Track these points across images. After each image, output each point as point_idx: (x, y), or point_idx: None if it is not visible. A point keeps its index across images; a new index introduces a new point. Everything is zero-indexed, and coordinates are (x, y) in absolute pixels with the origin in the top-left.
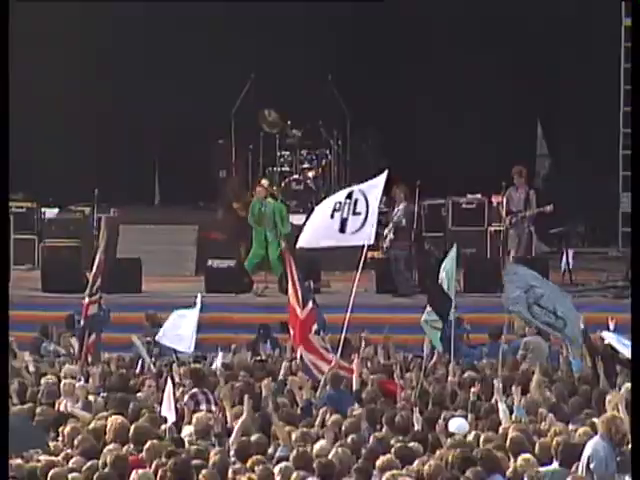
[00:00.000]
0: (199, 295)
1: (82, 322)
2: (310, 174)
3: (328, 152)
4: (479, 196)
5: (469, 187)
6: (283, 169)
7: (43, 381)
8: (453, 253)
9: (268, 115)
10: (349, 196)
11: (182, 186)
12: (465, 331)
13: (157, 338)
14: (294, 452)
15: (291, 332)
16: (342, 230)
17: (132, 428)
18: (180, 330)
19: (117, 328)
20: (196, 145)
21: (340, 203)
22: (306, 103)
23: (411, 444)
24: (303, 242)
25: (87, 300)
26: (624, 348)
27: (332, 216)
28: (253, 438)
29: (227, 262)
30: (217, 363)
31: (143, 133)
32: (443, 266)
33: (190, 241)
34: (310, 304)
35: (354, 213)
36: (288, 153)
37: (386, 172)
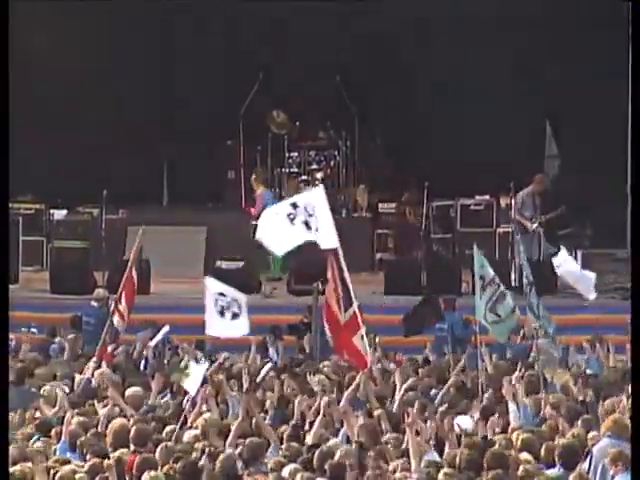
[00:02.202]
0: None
1: None
2: (318, 175)
3: (336, 153)
4: (487, 197)
5: (477, 188)
6: (291, 170)
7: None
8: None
9: (276, 116)
10: (294, 205)
11: (190, 187)
12: (473, 332)
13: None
14: (317, 451)
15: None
16: (308, 228)
17: (133, 430)
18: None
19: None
20: (204, 146)
21: (292, 213)
22: (314, 104)
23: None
24: (276, 249)
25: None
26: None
27: (293, 223)
28: (256, 440)
29: (235, 263)
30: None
31: (151, 134)
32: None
33: (198, 242)
34: (353, 307)
35: (309, 215)
36: (296, 154)
37: (321, 187)
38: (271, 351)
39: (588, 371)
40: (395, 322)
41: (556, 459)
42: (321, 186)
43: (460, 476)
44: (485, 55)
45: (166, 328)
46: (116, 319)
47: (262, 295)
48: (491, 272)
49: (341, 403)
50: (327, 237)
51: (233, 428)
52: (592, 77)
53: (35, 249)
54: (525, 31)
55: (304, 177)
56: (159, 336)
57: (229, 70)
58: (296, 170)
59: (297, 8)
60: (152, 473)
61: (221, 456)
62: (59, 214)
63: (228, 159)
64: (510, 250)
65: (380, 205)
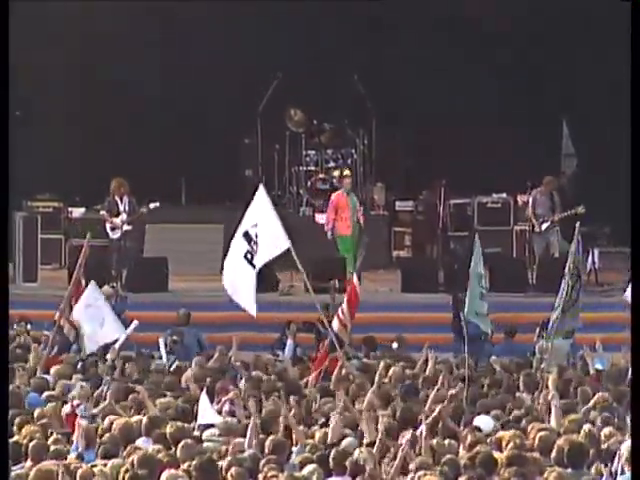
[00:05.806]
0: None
1: None
2: (336, 173)
3: (354, 151)
4: (505, 195)
5: (495, 186)
6: (309, 168)
7: None
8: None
9: (294, 114)
10: (247, 238)
11: (209, 185)
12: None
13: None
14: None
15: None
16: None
17: (168, 427)
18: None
19: (143, 327)
20: (222, 144)
21: (249, 251)
22: (332, 102)
23: (446, 441)
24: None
25: None
26: None
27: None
28: (279, 439)
29: None
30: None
31: (169, 133)
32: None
33: (216, 240)
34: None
35: (256, 244)
36: (314, 152)
37: (261, 187)
38: (289, 345)
39: (598, 367)
40: (413, 320)
41: (565, 458)
42: (261, 187)
43: (476, 471)
44: (504, 54)
45: (135, 324)
46: (67, 328)
47: (279, 292)
48: (482, 271)
49: (365, 402)
50: (275, 242)
51: (249, 428)
52: (615, 76)
53: (53, 247)
54: (548, 30)
55: (322, 175)
56: (125, 334)
57: (247, 69)
58: (313, 168)
59: (315, 6)
60: (172, 471)
61: (241, 455)
62: (77, 212)
63: (246, 157)
64: (527, 248)
65: (397, 203)
